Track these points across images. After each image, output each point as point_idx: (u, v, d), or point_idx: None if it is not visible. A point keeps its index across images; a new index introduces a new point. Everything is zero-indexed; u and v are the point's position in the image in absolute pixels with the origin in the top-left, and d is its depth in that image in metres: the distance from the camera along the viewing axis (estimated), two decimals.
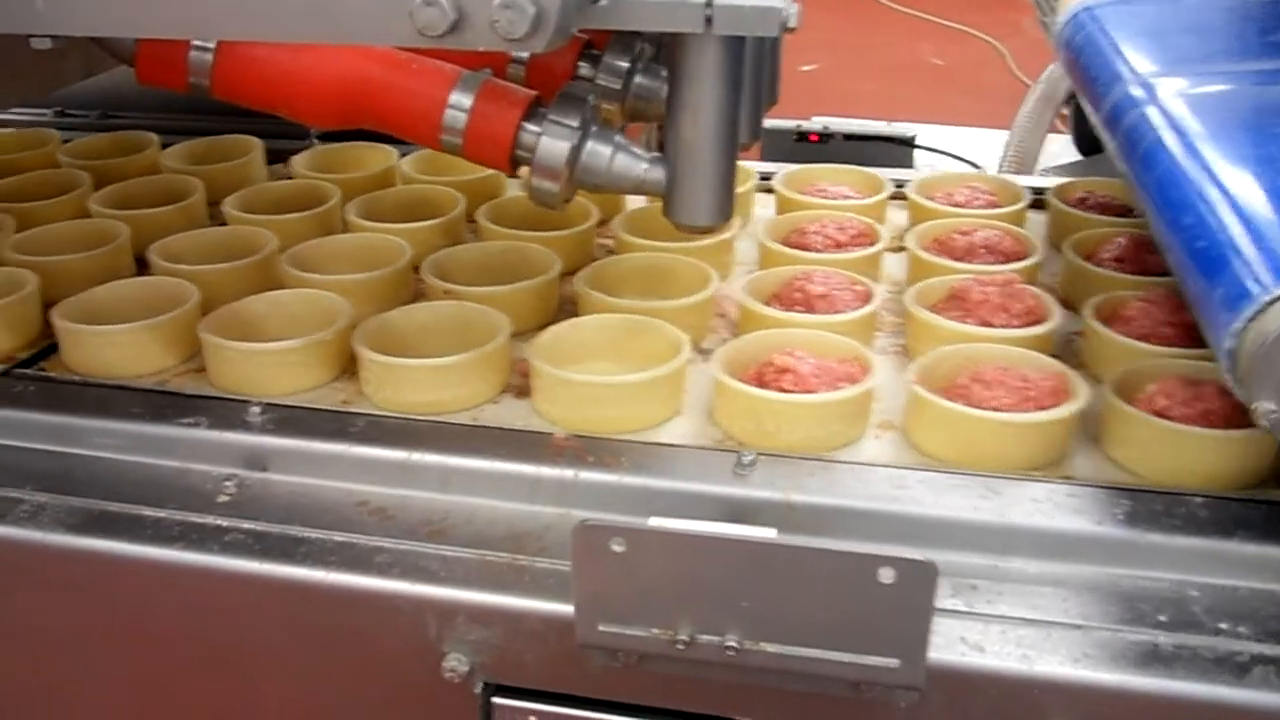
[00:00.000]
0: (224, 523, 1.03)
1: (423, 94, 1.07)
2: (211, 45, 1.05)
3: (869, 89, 4.50)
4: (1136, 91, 1.23)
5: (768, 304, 1.26)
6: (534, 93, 1.09)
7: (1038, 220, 1.55)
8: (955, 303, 1.24)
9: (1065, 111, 2.44)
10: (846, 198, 1.54)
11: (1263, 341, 0.86)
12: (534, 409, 1.15)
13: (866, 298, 1.26)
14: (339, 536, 1.01)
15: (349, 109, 1.09)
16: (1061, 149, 2.58)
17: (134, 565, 1.01)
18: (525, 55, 1.29)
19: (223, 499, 1.06)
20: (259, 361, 1.17)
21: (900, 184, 1.59)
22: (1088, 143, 2.53)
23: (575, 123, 1.05)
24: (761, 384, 1.10)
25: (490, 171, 1.52)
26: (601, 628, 0.88)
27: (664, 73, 1.30)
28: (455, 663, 0.95)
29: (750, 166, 1.64)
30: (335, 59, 1.07)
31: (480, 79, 1.08)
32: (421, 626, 0.96)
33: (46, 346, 1.28)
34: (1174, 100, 1.18)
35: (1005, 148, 2.28)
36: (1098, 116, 1.31)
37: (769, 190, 1.60)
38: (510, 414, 1.15)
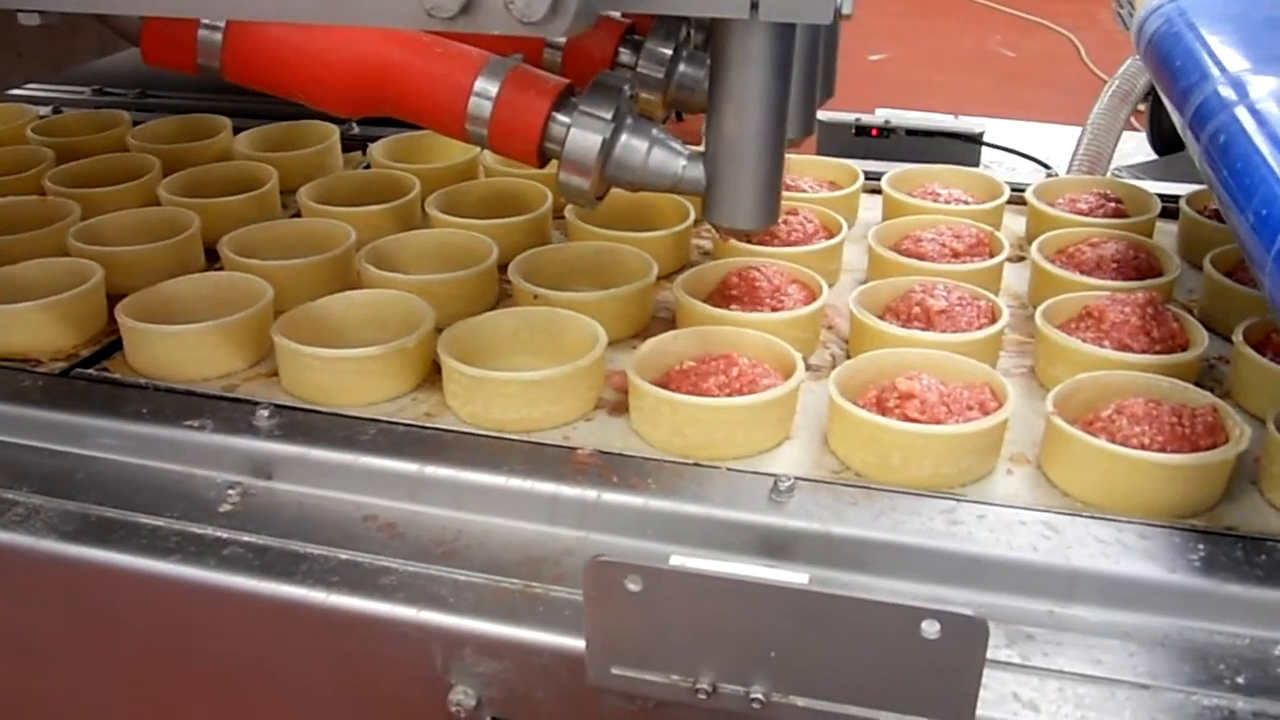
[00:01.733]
0: (224, 534, 0.97)
1: (446, 80, 0.99)
2: (221, 24, 0.99)
3: (938, 80, 4.37)
4: (1226, 91, 1.13)
5: (882, 317, 1.17)
6: (566, 81, 1.01)
7: (1165, 230, 1.44)
8: (1089, 323, 1.15)
9: (1141, 108, 2.33)
10: (961, 201, 1.45)
11: None
12: (632, 429, 1.06)
13: (991, 314, 1.17)
14: (343, 554, 0.95)
15: (369, 95, 1.02)
16: (1135, 147, 2.46)
17: (127, 577, 0.95)
18: (561, 39, 1.21)
19: (225, 508, 1.00)
20: (337, 369, 1.09)
21: (1018, 188, 1.49)
22: (1164, 141, 2.41)
23: (608, 114, 0.97)
24: (882, 410, 1.00)
25: None
26: (615, 670, 0.81)
27: (710, 61, 1.22)
28: (462, 695, 0.89)
29: (854, 165, 1.54)
30: (353, 40, 1.00)
31: (509, 65, 1.00)
32: (427, 656, 0.89)
33: (109, 344, 1.21)
34: (1268, 101, 1.08)
35: (1077, 145, 2.16)
36: (1181, 117, 1.21)
37: (875, 191, 1.51)
38: (606, 433, 1.06)
